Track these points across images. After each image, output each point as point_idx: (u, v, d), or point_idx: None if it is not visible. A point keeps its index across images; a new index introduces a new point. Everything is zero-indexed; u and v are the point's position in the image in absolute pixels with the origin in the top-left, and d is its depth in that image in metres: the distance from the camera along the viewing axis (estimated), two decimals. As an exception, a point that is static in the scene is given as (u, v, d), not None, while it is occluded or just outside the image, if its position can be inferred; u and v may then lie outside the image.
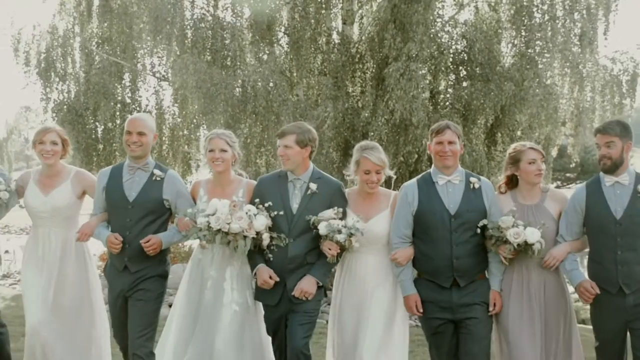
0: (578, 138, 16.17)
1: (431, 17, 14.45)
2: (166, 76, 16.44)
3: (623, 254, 5.49)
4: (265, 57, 15.11)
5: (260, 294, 5.97)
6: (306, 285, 5.75)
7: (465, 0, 15.74)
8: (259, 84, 14.26)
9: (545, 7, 14.88)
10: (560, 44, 14.73)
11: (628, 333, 5.60)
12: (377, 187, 5.88)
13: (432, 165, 5.93)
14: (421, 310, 5.75)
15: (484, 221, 5.65)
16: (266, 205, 5.76)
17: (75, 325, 6.43)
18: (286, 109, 14.01)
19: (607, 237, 5.54)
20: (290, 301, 5.80)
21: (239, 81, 14.78)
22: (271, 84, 14.21)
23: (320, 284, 5.82)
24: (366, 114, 14.33)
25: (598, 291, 5.52)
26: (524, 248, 5.52)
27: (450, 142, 5.74)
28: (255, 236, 5.64)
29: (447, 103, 15.00)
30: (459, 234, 5.67)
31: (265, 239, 5.69)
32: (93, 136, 16.30)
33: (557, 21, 14.85)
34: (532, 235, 5.48)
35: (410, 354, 6.13)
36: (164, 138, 16.55)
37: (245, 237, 5.60)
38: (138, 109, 16.52)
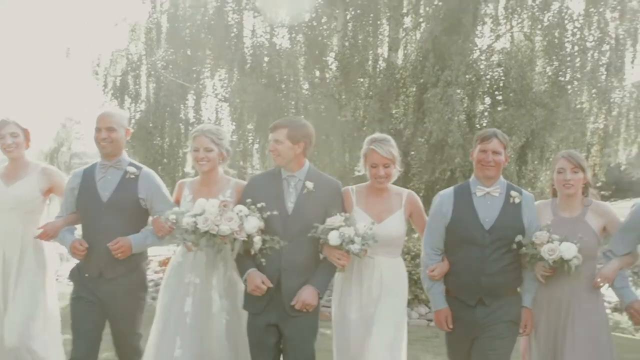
0: (604, 159, 16.99)
1: (469, 47, 15.41)
2: (226, 97, 17.28)
3: None
4: (317, 80, 15.95)
5: (247, 302, 5.35)
6: (308, 297, 5.14)
7: (502, 31, 16.50)
8: (310, 106, 15.19)
9: (575, 39, 15.71)
10: (588, 72, 15.57)
11: None
12: (386, 183, 5.39)
13: (472, 175, 5.44)
14: (451, 327, 5.32)
15: (520, 237, 5.11)
16: (259, 206, 5.14)
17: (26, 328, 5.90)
18: (335, 130, 14.84)
19: None
20: (283, 309, 5.19)
21: (292, 103, 15.69)
22: (322, 107, 15.19)
23: (321, 295, 5.25)
24: (408, 135, 15.22)
25: None
26: (560, 264, 5.03)
27: (494, 152, 5.23)
28: (245, 239, 5.05)
29: (483, 125, 15.70)
30: (492, 250, 5.18)
31: (257, 242, 5.10)
32: (160, 152, 17.27)
33: (587, 52, 15.68)
34: (568, 250, 4.99)
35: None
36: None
37: (235, 239, 5.03)
38: (200, 126, 17.53)
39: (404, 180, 14.49)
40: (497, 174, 5.33)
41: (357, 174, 5.69)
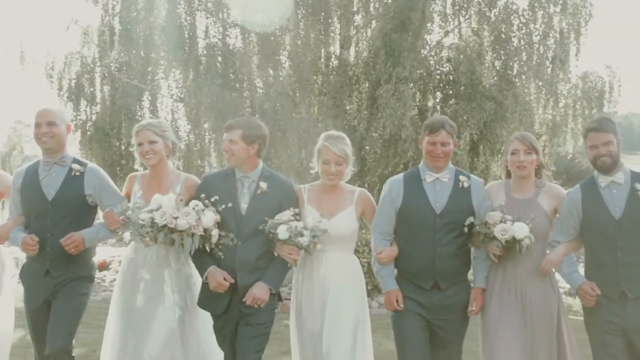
0: (553, 149, 17.57)
1: (419, 43, 15.68)
2: (181, 97, 17.32)
3: (624, 256, 5.05)
4: (271, 79, 16.10)
5: (206, 302, 5.38)
6: (259, 292, 5.16)
7: (450, 27, 16.92)
8: (266, 104, 15.37)
9: (521, 34, 16.20)
10: (535, 66, 16.11)
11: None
12: (337, 180, 5.42)
13: (422, 161, 5.53)
14: (402, 306, 5.31)
15: (471, 219, 5.21)
16: (212, 200, 5.18)
17: None
18: (291, 127, 15.03)
19: (607, 239, 5.12)
20: (240, 310, 5.25)
21: (247, 101, 15.84)
22: (277, 105, 15.32)
23: (274, 291, 5.27)
24: (362, 130, 15.47)
25: (599, 292, 5.09)
26: (512, 244, 5.10)
27: (443, 144, 5.32)
28: (203, 233, 5.07)
29: (436, 119, 16.15)
30: (443, 234, 5.27)
31: (214, 235, 5.12)
32: (117, 153, 17.25)
33: (533, 46, 16.22)
34: (521, 230, 5.08)
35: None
36: (179, 153, 17.68)
37: (192, 234, 5.02)
38: (156, 128, 17.56)
39: (359, 175, 14.80)
40: (446, 163, 5.43)
41: (312, 172, 5.62)
